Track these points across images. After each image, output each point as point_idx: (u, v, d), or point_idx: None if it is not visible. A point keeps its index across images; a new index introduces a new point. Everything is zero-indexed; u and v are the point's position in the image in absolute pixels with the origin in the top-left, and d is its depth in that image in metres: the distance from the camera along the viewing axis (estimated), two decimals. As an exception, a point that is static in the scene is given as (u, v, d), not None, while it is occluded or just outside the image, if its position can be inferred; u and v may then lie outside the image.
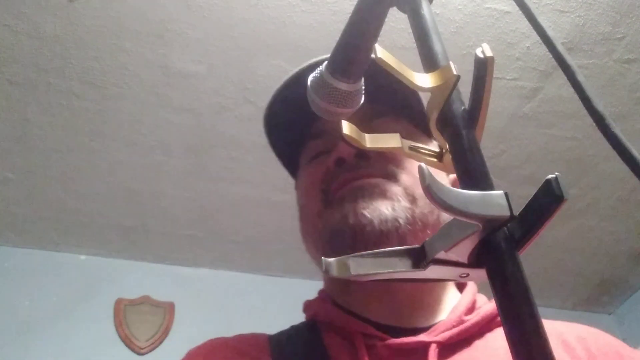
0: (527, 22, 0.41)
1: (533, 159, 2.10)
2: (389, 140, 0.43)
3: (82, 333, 2.08)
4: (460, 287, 0.70)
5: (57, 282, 2.18)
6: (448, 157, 0.41)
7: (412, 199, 0.63)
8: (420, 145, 0.43)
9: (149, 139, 1.93)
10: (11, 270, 2.17)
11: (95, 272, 2.25)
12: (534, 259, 2.40)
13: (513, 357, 0.30)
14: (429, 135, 0.73)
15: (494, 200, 0.32)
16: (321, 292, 0.73)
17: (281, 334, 0.68)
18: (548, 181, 0.31)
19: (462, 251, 0.34)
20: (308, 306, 0.70)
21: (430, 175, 0.31)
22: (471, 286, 0.69)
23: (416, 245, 0.38)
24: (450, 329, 0.60)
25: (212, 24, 1.65)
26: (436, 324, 0.62)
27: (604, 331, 0.66)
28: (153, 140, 1.93)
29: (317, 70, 0.54)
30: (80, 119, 1.85)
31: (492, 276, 0.33)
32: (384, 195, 0.62)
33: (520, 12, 0.42)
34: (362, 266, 0.39)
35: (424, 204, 0.63)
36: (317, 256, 0.69)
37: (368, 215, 0.60)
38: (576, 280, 2.65)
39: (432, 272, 0.37)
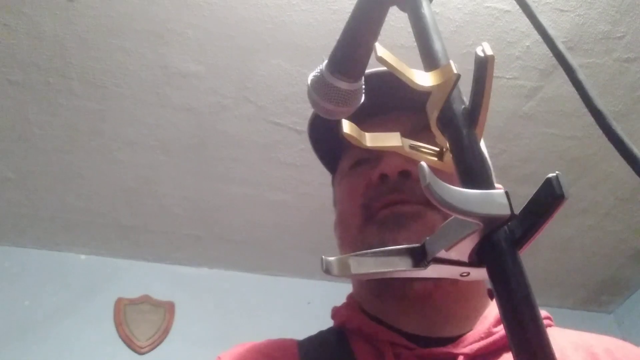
0: (527, 21, 0.41)
1: (533, 158, 2.10)
2: (390, 139, 0.43)
3: (83, 333, 2.08)
4: (492, 294, 0.69)
5: (57, 282, 2.18)
6: (449, 156, 0.41)
7: None
8: (420, 144, 0.43)
9: (149, 139, 1.93)
10: (11, 270, 2.17)
11: (95, 272, 2.25)
12: (534, 258, 2.40)
13: (514, 357, 0.30)
14: None
15: (494, 199, 0.32)
16: (349, 297, 0.73)
17: (310, 340, 0.69)
18: (549, 180, 0.31)
19: (462, 250, 0.34)
20: (337, 313, 0.70)
21: (431, 174, 0.30)
22: None
23: (417, 245, 0.38)
24: (479, 340, 0.60)
25: (212, 24, 1.65)
26: (464, 334, 0.62)
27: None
28: (153, 140, 1.93)
29: (318, 69, 0.54)
30: (80, 119, 1.85)
31: (492, 275, 0.33)
32: (424, 224, 0.63)
33: (521, 11, 0.42)
34: (363, 265, 0.39)
35: None
36: None
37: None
38: (576, 280, 2.65)
39: (432, 271, 0.37)
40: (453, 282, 0.63)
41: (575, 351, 0.62)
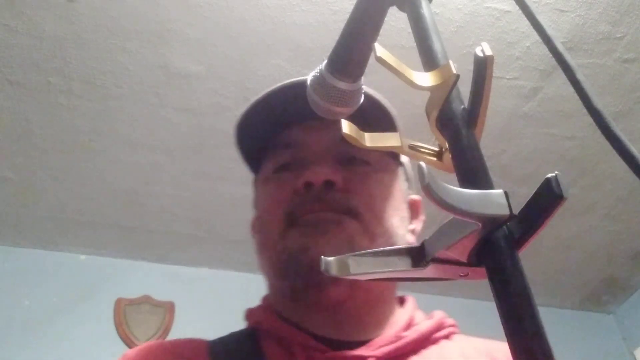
0: (527, 22, 0.41)
1: (533, 158, 2.10)
2: (389, 139, 0.43)
3: (83, 333, 2.08)
4: (401, 302, 0.72)
5: (57, 282, 2.18)
6: (448, 156, 0.41)
7: (372, 237, 0.65)
8: (420, 144, 0.43)
9: (149, 139, 1.93)
10: (11, 270, 2.17)
11: (95, 272, 2.25)
12: (534, 258, 2.40)
13: (513, 357, 0.30)
14: (399, 164, 0.76)
15: (493, 199, 0.32)
16: (264, 300, 0.73)
17: (221, 341, 0.69)
18: (548, 180, 0.31)
19: (461, 250, 0.34)
20: (250, 314, 0.71)
21: (430, 174, 0.30)
22: (411, 302, 0.71)
23: (416, 244, 0.38)
24: (388, 344, 0.63)
25: (212, 24, 1.65)
26: (374, 338, 0.64)
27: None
28: (153, 140, 1.93)
29: (317, 70, 0.54)
30: (80, 119, 1.85)
31: (491, 275, 0.33)
32: (344, 233, 0.64)
33: (520, 11, 0.42)
34: (362, 265, 0.39)
35: (381, 241, 0.66)
36: (268, 268, 0.70)
37: (326, 255, 0.62)
38: (576, 280, 2.65)
39: (431, 271, 0.37)
40: (367, 290, 0.65)
41: (479, 356, 0.66)
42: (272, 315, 0.68)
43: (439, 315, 0.69)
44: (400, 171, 0.76)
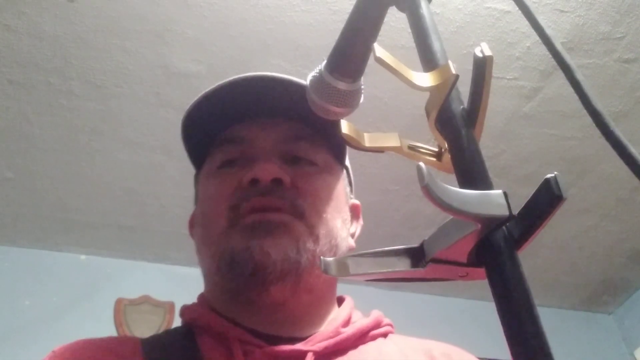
0: (527, 22, 0.41)
1: (533, 159, 2.10)
2: (388, 140, 0.43)
3: (82, 333, 2.06)
4: (339, 302, 0.73)
5: (57, 282, 2.18)
6: (447, 157, 0.41)
7: (316, 239, 0.65)
8: (419, 144, 0.43)
9: (149, 139, 1.93)
10: (11, 270, 2.17)
11: (95, 272, 2.25)
12: (533, 258, 2.40)
13: (513, 357, 0.30)
14: (343, 167, 0.76)
15: (493, 200, 0.32)
16: (200, 297, 0.73)
17: (154, 338, 0.68)
18: (547, 180, 0.31)
19: (461, 250, 0.34)
20: (186, 310, 0.69)
21: (429, 174, 0.30)
22: (349, 301, 0.72)
23: (415, 245, 0.38)
24: (327, 339, 0.63)
25: (212, 24, 1.65)
26: (312, 334, 0.64)
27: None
28: (153, 140, 1.93)
29: (317, 70, 0.54)
30: (80, 119, 1.85)
31: (491, 275, 0.33)
32: (290, 234, 0.64)
33: (520, 11, 0.42)
34: (361, 266, 0.39)
35: (324, 242, 0.66)
36: (209, 265, 0.69)
37: (272, 256, 0.62)
38: (576, 280, 2.65)
39: (431, 271, 0.37)
40: (309, 290, 0.66)
41: (416, 353, 0.67)
42: (208, 311, 0.67)
43: (376, 314, 0.70)
44: (343, 174, 0.76)
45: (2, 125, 1.84)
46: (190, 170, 0.81)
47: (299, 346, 0.61)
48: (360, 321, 0.68)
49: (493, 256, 0.33)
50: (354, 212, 0.78)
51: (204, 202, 0.73)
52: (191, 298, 0.72)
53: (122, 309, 2.19)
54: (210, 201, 0.71)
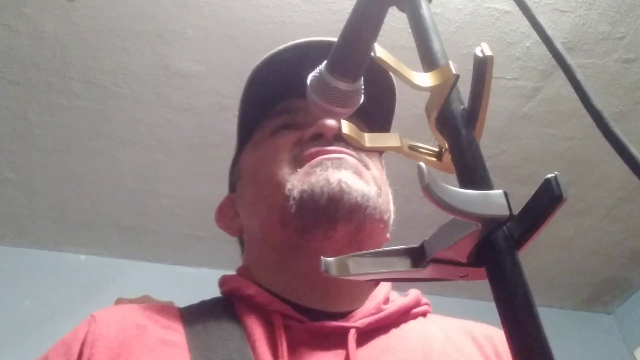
0: (527, 22, 0.41)
1: (533, 159, 2.10)
2: (388, 140, 0.43)
3: (82, 333, 2.08)
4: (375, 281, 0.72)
5: (57, 282, 2.18)
6: (447, 157, 0.41)
7: (379, 192, 0.66)
8: (419, 144, 0.43)
9: (149, 139, 1.93)
10: (11, 270, 2.17)
11: (95, 272, 2.25)
12: (534, 258, 2.40)
13: (512, 357, 0.30)
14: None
15: (493, 200, 0.32)
16: (241, 269, 0.72)
17: (192, 307, 0.66)
18: (547, 180, 0.31)
19: (461, 250, 0.34)
20: (226, 280, 0.68)
21: (430, 174, 0.30)
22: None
23: (415, 245, 0.38)
24: (369, 316, 0.62)
25: (212, 24, 1.65)
26: (354, 310, 0.63)
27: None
28: (153, 140, 1.93)
29: (317, 70, 0.54)
30: (80, 119, 1.85)
31: (491, 275, 0.33)
32: (360, 175, 0.64)
33: (520, 11, 0.42)
34: (362, 266, 0.39)
35: (383, 200, 0.66)
36: (262, 223, 0.67)
37: (351, 184, 0.61)
38: (576, 280, 2.65)
39: (431, 271, 0.37)
40: (366, 238, 0.65)
41: (458, 334, 0.66)
42: (250, 282, 0.66)
43: (415, 292, 0.70)
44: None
45: (2, 125, 1.84)
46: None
47: (341, 322, 0.60)
48: (400, 299, 0.67)
49: (493, 256, 0.33)
50: None
51: (254, 166, 0.71)
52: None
53: (122, 309, 2.19)
54: (266, 159, 0.69)
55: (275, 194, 0.65)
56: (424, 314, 0.68)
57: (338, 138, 0.64)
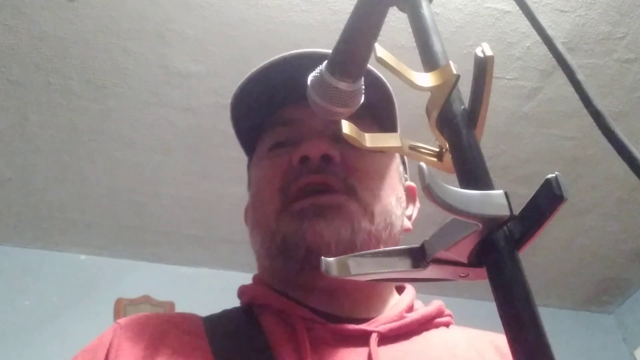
0: (527, 22, 0.41)
1: (533, 159, 2.10)
2: (389, 140, 0.43)
3: (82, 333, 2.07)
4: (399, 290, 0.72)
5: (57, 282, 2.18)
6: (448, 157, 0.41)
7: (371, 217, 0.64)
8: (420, 144, 0.43)
9: (149, 139, 1.93)
10: (11, 270, 2.17)
11: (95, 272, 2.25)
12: (534, 258, 2.40)
13: (513, 357, 0.30)
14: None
15: (493, 200, 0.32)
16: (256, 277, 0.72)
17: (215, 316, 0.67)
18: (548, 180, 0.31)
19: (461, 251, 0.34)
20: (245, 290, 0.69)
21: (430, 174, 0.30)
22: (410, 289, 0.71)
23: (416, 245, 0.38)
24: (391, 322, 0.62)
25: (212, 24, 1.65)
26: (375, 317, 0.63)
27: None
28: (153, 140, 1.93)
29: (317, 70, 0.54)
30: (80, 119, 1.85)
31: (491, 275, 0.33)
32: (343, 215, 0.62)
33: (521, 11, 0.42)
34: (362, 266, 0.39)
35: (379, 221, 0.65)
36: (260, 248, 0.68)
37: (326, 237, 0.61)
38: (576, 280, 2.65)
39: (432, 271, 0.37)
40: None
41: (482, 343, 0.66)
42: (268, 290, 0.66)
43: (437, 303, 0.69)
44: (396, 154, 0.75)
45: (2, 125, 1.84)
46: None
47: (363, 326, 0.60)
48: (424, 308, 0.67)
49: (494, 256, 0.33)
50: (410, 193, 0.76)
51: (256, 186, 0.73)
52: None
53: (122, 308, 2.19)
54: (261, 184, 0.70)
55: (263, 232, 0.67)
56: (446, 325, 0.68)
57: (325, 158, 0.64)
